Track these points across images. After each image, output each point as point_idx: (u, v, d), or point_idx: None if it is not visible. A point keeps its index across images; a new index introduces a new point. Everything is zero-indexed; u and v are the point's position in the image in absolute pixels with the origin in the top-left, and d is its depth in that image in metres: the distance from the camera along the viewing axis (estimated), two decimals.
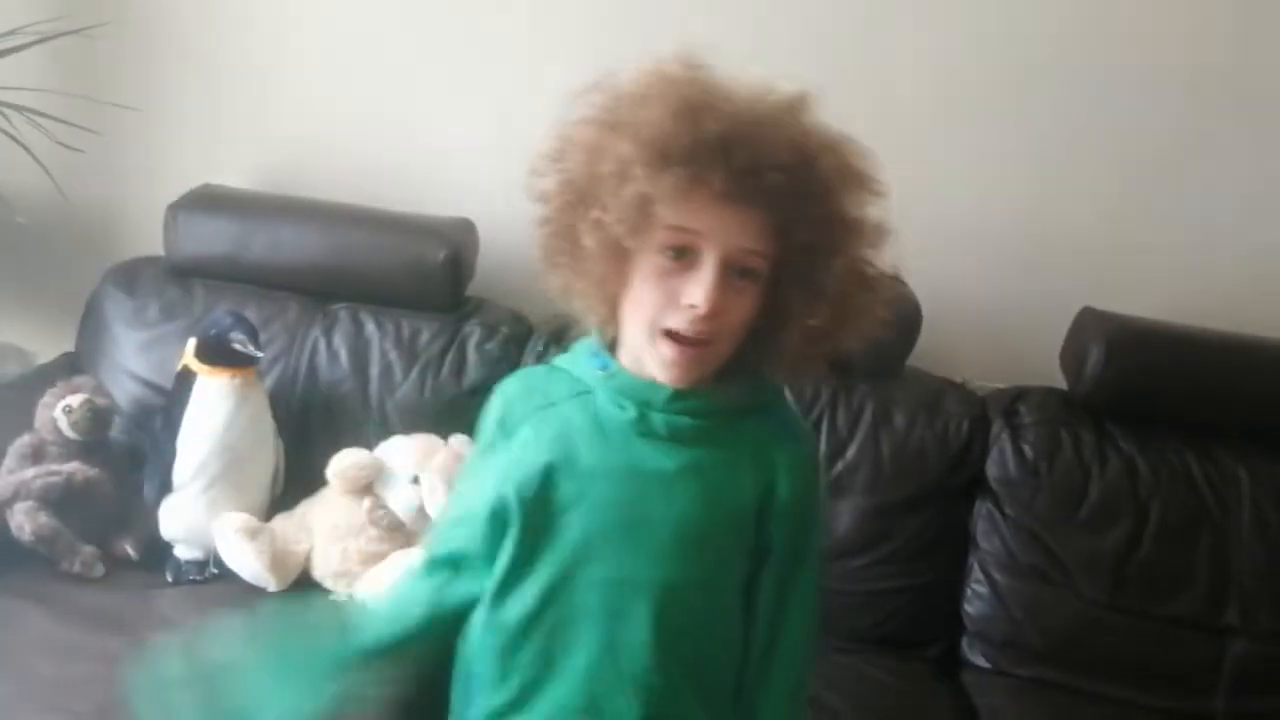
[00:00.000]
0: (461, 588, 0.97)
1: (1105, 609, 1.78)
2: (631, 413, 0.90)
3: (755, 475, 0.93)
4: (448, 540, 1.00)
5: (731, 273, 0.85)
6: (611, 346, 0.95)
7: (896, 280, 0.93)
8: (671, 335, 0.86)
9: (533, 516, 0.92)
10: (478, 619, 0.97)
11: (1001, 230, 2.04)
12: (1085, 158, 2.01)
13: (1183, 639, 1.77)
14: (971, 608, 1.83)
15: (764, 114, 0.84)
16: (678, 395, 0.90)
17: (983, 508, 1.86)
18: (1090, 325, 1.88)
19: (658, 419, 0.90)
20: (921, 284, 1.84)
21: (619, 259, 0.87)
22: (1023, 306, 2.05)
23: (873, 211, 0.88)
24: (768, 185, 0.81)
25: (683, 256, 0.85)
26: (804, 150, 0.84)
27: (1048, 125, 2.00)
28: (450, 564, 0.99)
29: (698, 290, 0.84)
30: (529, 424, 0.94)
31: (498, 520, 0.94)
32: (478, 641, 0.97)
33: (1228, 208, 2.01)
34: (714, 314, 0.84)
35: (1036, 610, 1.80)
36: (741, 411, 0.93)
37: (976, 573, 1.84)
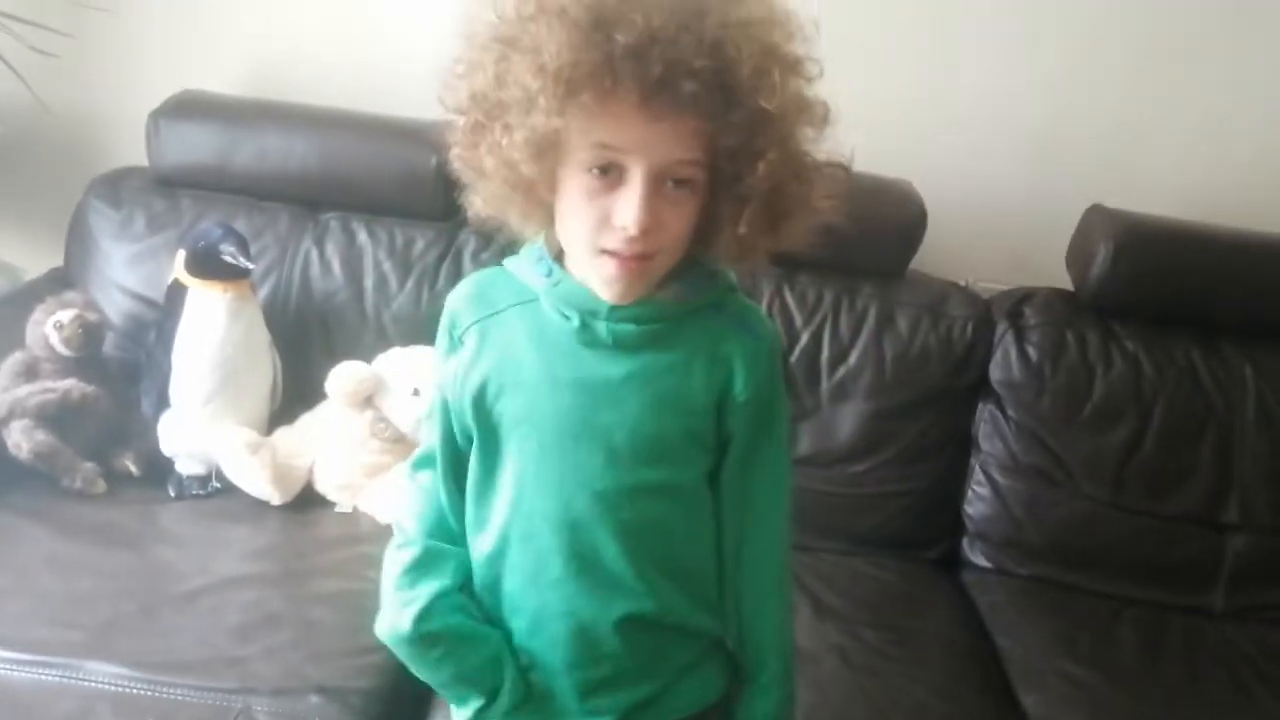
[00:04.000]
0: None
1: (1106, 507, 1.79)
2: (575, 321, 0.88)
3: (709, 373, 0.90)
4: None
5: (665, 184, 0.80)
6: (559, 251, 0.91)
7: (838, 168, 0.86)
8: (609, 254, 0.83)
9: (484, 432, 0.91)
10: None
11: (1009, 129, 1.98)
12: (1096, 53, 1.95)
13: (1183, 535, 1.79)
14: (972, 509, 1.84)
15: (683, 9, 0.77)
16: (618, 306, 0.87)
17: (985, 410, 1.85)
18: (1098, 224, 1.84)
19: (601, 327, 0.88)
20: (926, 185, 1.81)
21: (530, 183, 0.82)
22: (1029, 206, 2.01)
23: (808, 95, 0.82)
24: (686, 95, 0.76)
25: (609, 173, 0.80)
26: (722, 51, 0.77)
27: (1057, 19, 1.93)
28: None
29: (627, 211, 0.80)
30: (473, 334, 0.92)
31: (460, 432, 0.94)
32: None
33: (1240, 103, 1.96)
34: (647, 231, 0.80)
35: (1037, 510, 1.81)
36: (690, 311, 0.90)
37: (978, 474, 1.85)
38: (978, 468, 1.84)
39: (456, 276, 1.86)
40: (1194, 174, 1.98)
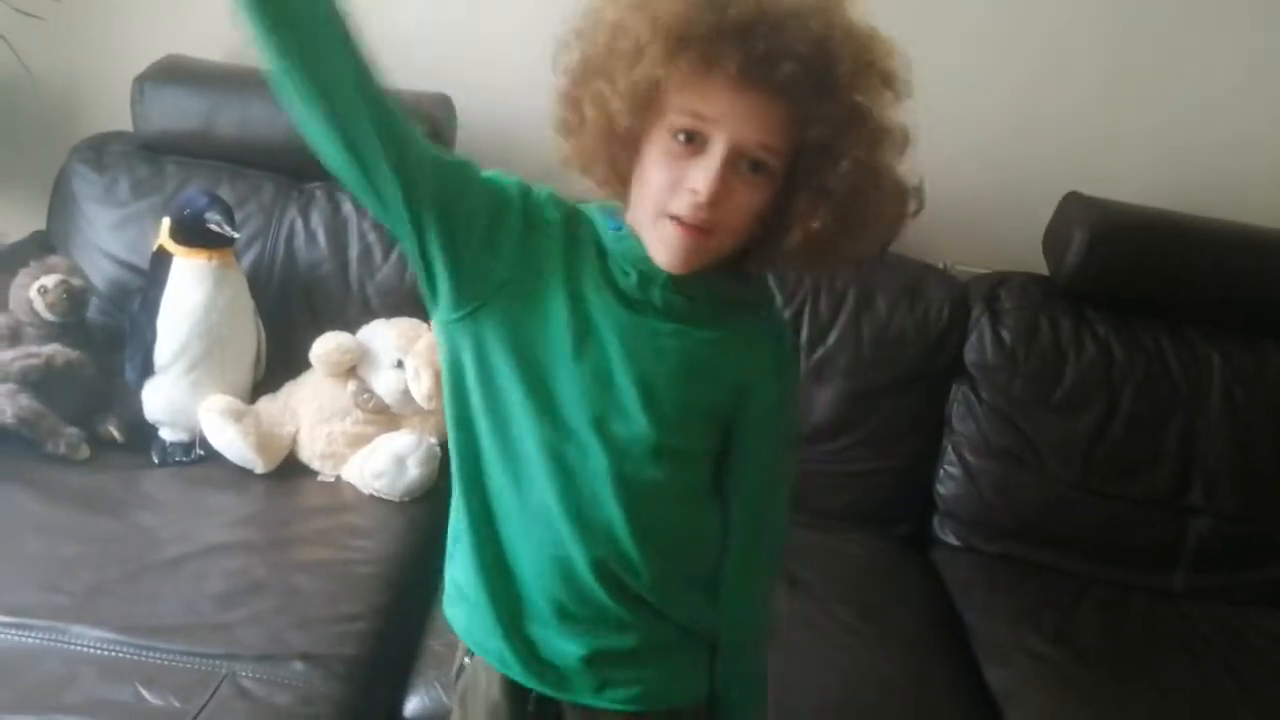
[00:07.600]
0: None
1: (1073, 489, 1.84)
2: (633, 279, 0.91)
3: (742, 361, 0.95)
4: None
5: (742, 164, 0.84)
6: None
7: (916, 191, 0.90)
8: (674, 219, 0.86)
9: (511, 300, 0.90)
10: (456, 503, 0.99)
11: (989, 114, 2.00)
12: (1076, 40, 1.97)
13: (1147, 517, 1.83)
14: (943, 488, 1.89)
15: (795, 2, 0.83)
16: (676, 278, 0.89)
17: (959, 391, 1.89)
18: (1074, 211, 1.87)
19: (655, 292, 0.91)
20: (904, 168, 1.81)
21: (622, 139, 0.86)
22: (1007, 191, 2.04)
23: (895, 115, 0.86)
24: (783, 76, 0.80)
25: (693, 141, 0.84)
26: (826, 45, 0.82)
27: (1038, 10, 1.94)
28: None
29: (701, 176, 0.83)
30: (555, 238, 0.92)
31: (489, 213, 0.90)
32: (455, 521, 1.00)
33: (1217, 93, 1.98)
34: (715, 202, 0.83)
35: (1006, 490, 1.85)
36: (734, 305, 0.95)
37: (950, 454, 1.89)
38: (950, 448, 1.88)
39: None
40: (1169, 162, 2.01)
